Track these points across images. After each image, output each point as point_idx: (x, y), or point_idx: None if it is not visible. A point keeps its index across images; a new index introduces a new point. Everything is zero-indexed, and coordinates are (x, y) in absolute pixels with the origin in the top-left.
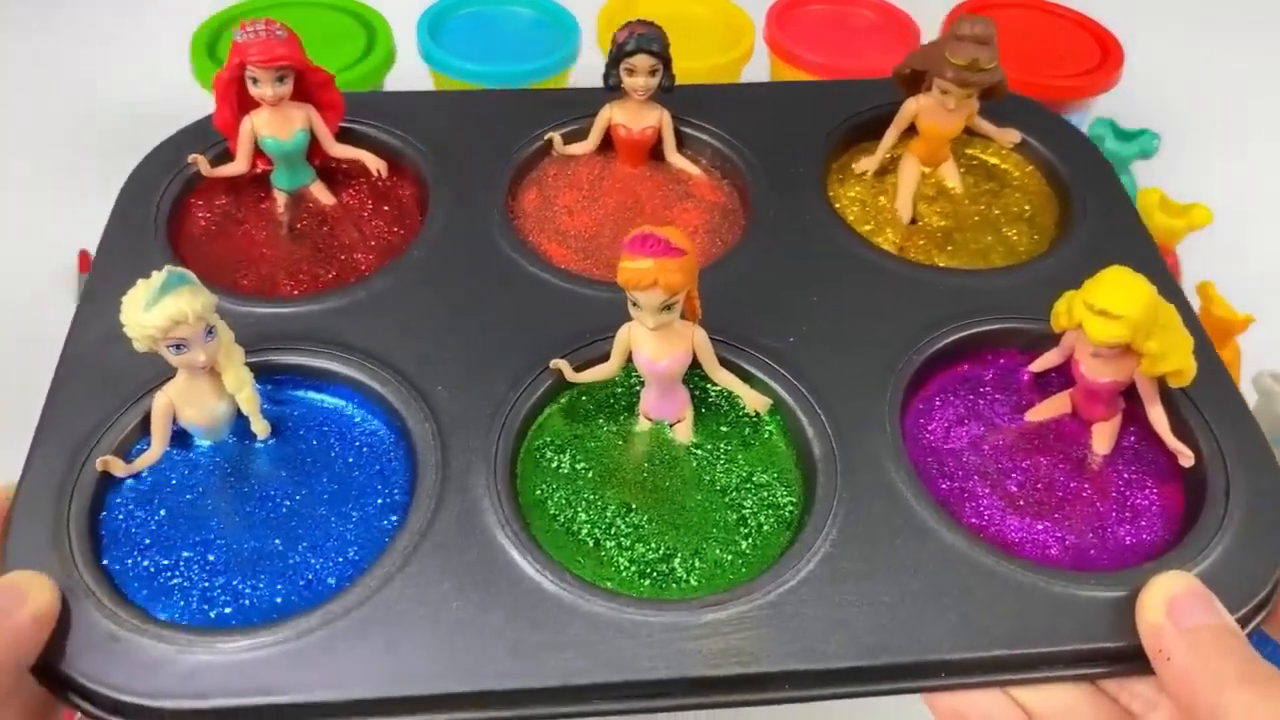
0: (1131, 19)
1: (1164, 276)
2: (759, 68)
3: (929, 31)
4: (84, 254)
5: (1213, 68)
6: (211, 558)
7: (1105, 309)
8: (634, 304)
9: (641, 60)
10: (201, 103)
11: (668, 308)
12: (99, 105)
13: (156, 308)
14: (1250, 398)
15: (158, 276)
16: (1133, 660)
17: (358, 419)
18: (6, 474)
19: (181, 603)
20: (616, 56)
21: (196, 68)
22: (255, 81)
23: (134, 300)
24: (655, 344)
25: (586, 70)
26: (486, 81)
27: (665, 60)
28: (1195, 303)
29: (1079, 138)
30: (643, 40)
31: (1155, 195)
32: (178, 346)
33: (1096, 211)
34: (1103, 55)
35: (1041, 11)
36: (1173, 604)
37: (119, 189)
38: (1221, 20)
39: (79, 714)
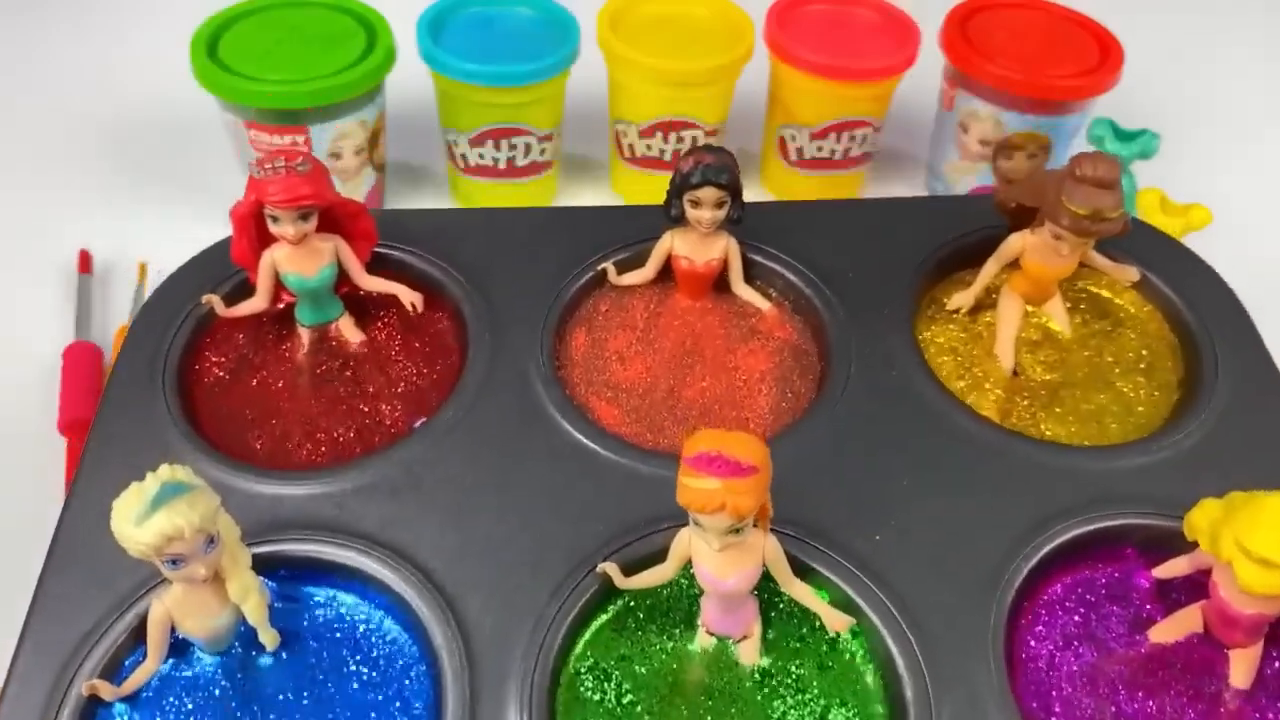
0: (1131, 19)
1: None
2: (759, 68)
3: (929, 32)
4: (84, 254)
5: (1213, 68)
6: None
7: (1267, 558)
8: (697, 524)
9: (708, 193)
10: (201, 102)
11: (737, 531)
12: (99, 105)
13: (148, 524)
14: None
15: (151, 483)
16: None
17: (377, 626)
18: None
19: None
20: (680, 186)
21: (196, 68)
22: (276, 220)
23: (124, 511)
24: (721, 560)
25: (586, 69)
26: (487, 81)
27: (735, 191)
28: None
29: (1210, 275)
30: (709, 172)
31: (1155, 195)
32: (174, 562)
33: (1229, 370)
34: (1103, 55)
35: (1041, 11)
36: None
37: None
38: (1221, 21)
39: None
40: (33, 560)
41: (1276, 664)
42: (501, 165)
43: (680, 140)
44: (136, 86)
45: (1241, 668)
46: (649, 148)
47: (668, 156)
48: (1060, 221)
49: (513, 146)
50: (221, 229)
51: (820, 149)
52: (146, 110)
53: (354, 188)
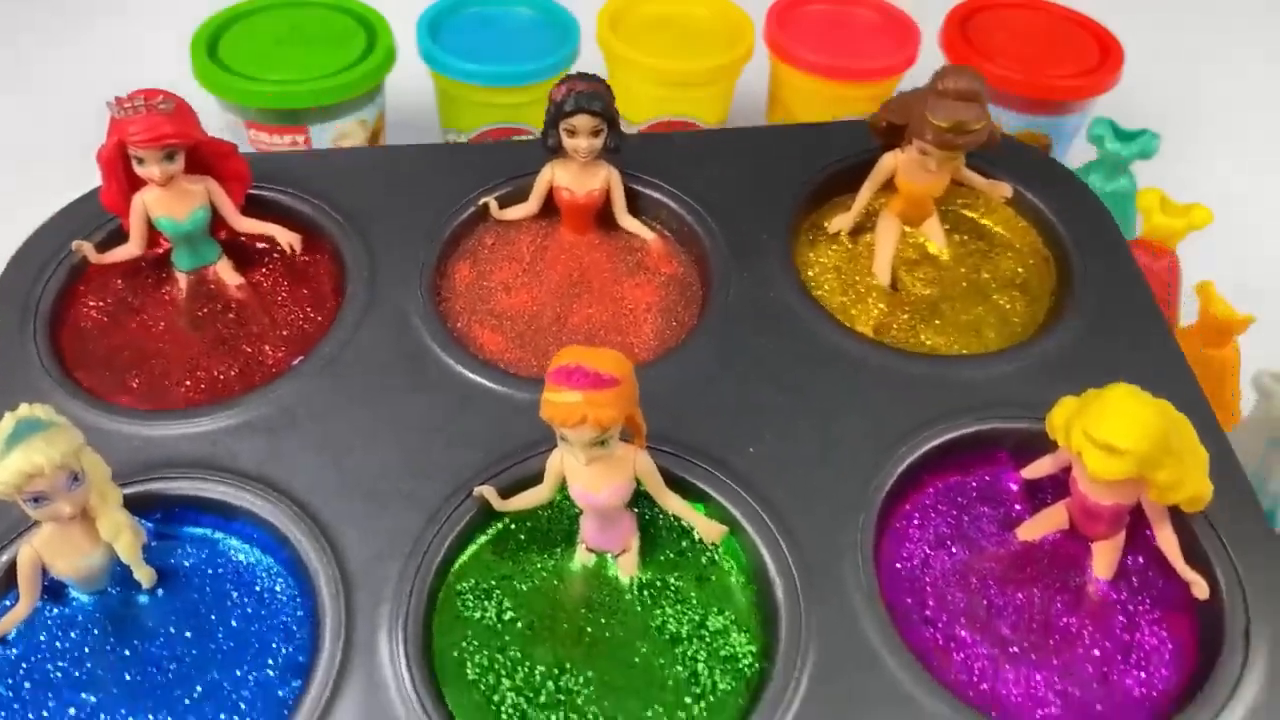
0: (1131, 19)
1: (1173, 357)
2: (759, 68)
3: (929, 32)
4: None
5: (1213, 68)
6: None
7: (1109, 443)
8: (563, 438)
9: (582, 120)
10: (200, 103)
11: (602, 443)
12: (99, 105)
13: (5, 462)
14: (1250, 398)
15: (8, 422)
16: None
17: (257, 559)
18: None
19: None
20: (555, 116)
21: (196, 68)
22: (140, 161)
23: None
24: (591, 474)
25: (586, 69)
26: (486, 81)
27: (610, 119)
28: (1195, 303)
29: (1079, 189)
30: (582, 99)
31: (1155, 195)
32: (36, 500)
33: (1098, 279)
34: (1103, 55)
35: (1041, 11)
36: None
37: None
38: (1221, 21)
39: None
40: None
41: (1140, 558)
42: None
43: None
44: (136, 86)
45: (1104, 559)
46: None
47: None
48: (925, 136)
49: None
50: None
51: None
52: None
53: None
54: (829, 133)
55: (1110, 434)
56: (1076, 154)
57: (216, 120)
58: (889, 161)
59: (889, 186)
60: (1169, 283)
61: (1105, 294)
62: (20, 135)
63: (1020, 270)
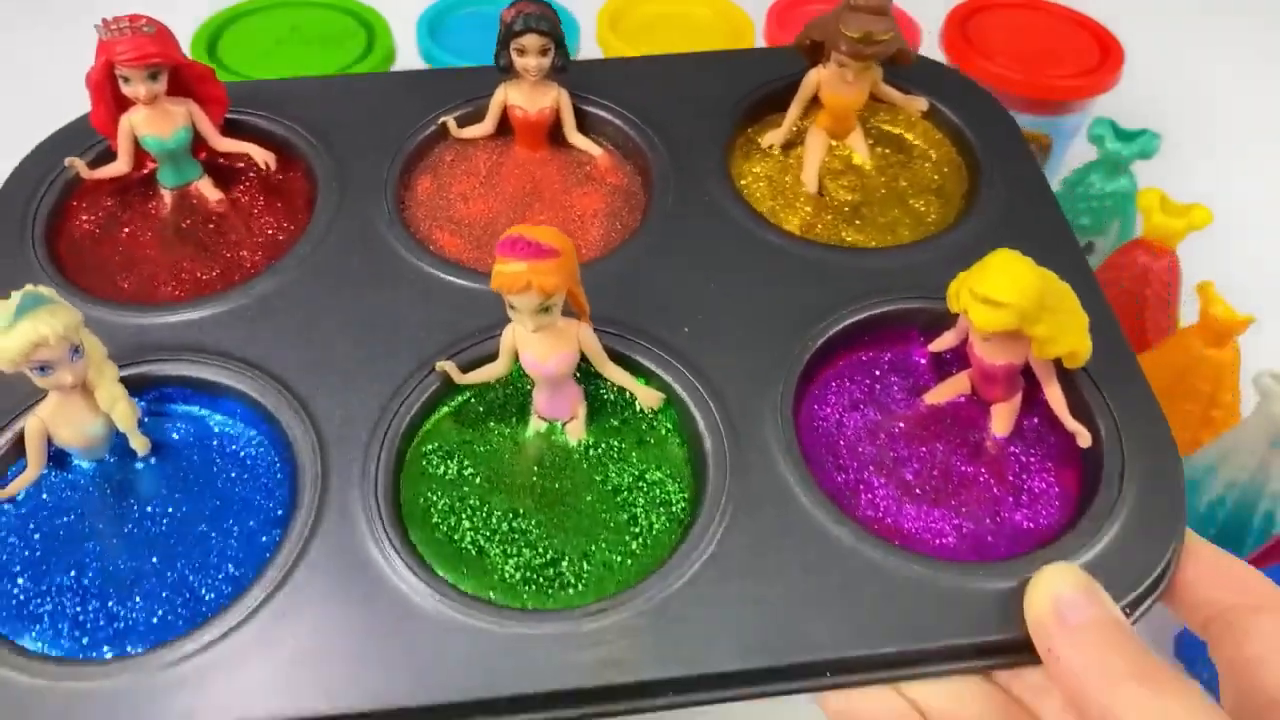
0: (1131, 19)
1: (1070, 247)
2: None
3: (930, 31)
4: None
5: (1213, 68)
6: (86, 581)
7: (989, 296)
8: (511, 307)
9: (531, 40)
10: None
11: (546, 310)
12: None
13: (14, 332)
14: (1250, 398)
15: (15, 298)
16: (1024, 651)
17: (240, 431)
18: None
19: (51, 631)
20: (505, 37)
21: None
22: (127, 80)
23: None
24: (540, 345)
25: None
26: None
27: (557, 39)
28: (1195, 303)
29: (988, 102)
30: (530, 19)
31: (1155, 195)
32: (42, 369)
33: (1004, 180)
34: (1103, 55)
35: (1041, 11)
36: (1058, 601)
37: None
38: (1222, 21)
39: None
40: None
41: (1035, 419)
42: None
43: None
44: None
45: (1001, 419)
46: None
47: None
48: (840, 47)
49: None
50: None
51: None
52: None
53: None
54: (762, 57)
55: (991, 289)
56: (1076, 154)
57: None
58: (813, 77)
59: (818, 105)
60: (1169, 283)
61: (1011, 193)
62: (18, 134)
63: (936, 177)
